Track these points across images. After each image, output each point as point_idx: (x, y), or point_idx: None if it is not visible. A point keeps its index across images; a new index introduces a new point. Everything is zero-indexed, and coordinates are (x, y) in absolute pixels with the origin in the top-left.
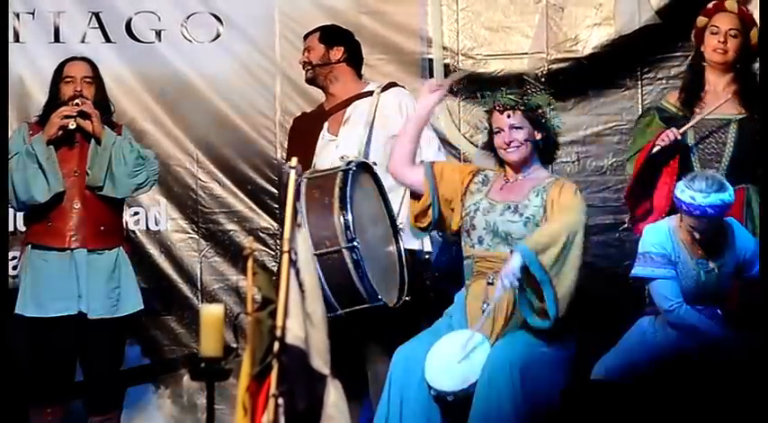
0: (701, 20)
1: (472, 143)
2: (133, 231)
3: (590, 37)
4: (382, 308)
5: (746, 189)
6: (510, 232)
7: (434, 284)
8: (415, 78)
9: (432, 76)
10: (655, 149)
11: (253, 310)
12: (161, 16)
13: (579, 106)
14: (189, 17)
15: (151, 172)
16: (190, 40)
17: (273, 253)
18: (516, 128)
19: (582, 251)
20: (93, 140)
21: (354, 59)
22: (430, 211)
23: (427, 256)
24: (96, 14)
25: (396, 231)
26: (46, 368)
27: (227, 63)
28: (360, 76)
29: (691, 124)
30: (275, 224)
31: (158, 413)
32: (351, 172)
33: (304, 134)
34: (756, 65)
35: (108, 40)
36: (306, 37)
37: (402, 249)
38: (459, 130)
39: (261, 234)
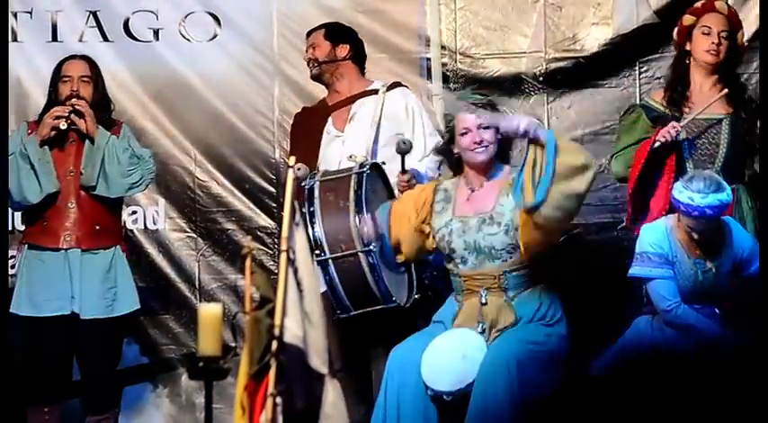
0: (687, 18)
1: None
2: (131, 230)
3: (588, 36)
4: (394, 308)
5: (737, 189)
6: (492, 246)
7: (433, 284)
8: (413, 77)
9: (429, 75)
10: (656, 145)
11: (251, 309)
12: (159, 15)
13: (577, 105)
14: (187, 16)
15: (146, 171)
16: (188, 40)
17: (271, 252)
18: (484, 127)
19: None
20: (87, 140)
21: (359, 57)
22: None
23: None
24: (94, 13)
25: None
26: (42, 367)
27: (226, 62)
28: (363, 73)
29: (689, 119)
30: (273, 223)
31: (157, 412)
32: (365, 175)
33: (307, 129)
34: (750, 65)
35: (106, 39)
36: (309, 34)
37: None
38: None
39: (259, 233)
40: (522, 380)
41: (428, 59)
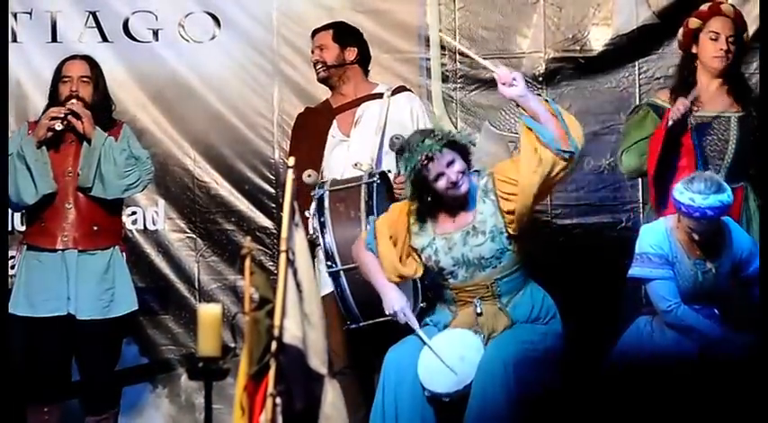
0: (693, 21)
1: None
2: (130, 231)
3: (588, 36)
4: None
5: (745, 187)
6: (481, 255)
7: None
8: (413, 78)
9: (429, 75)
10: (670, 123)
11: (250, 310)
12: (158, 16)
13: (577, 105)
14: (186, 16)
15: (144, 172)
16: (187, 40)
17: (271, 252)
18: (451, 163)
19: None
20: (85, 141)
21: (365, 59)
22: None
23: None
24: (93, 14)
25: None
26: (40, 367)
27: (225, 62)
28: (367, 75)
29: (695, 94)
30: (273, 224)
31: (156, 413)
32: (375, 185)
33: (310, 131)
34: (750, 65)
35: (105, 39)
36: (314, 33)
37: None
38: (457, 128)
39: (258, 234)
40: (520, 379)
41: (428, 59)
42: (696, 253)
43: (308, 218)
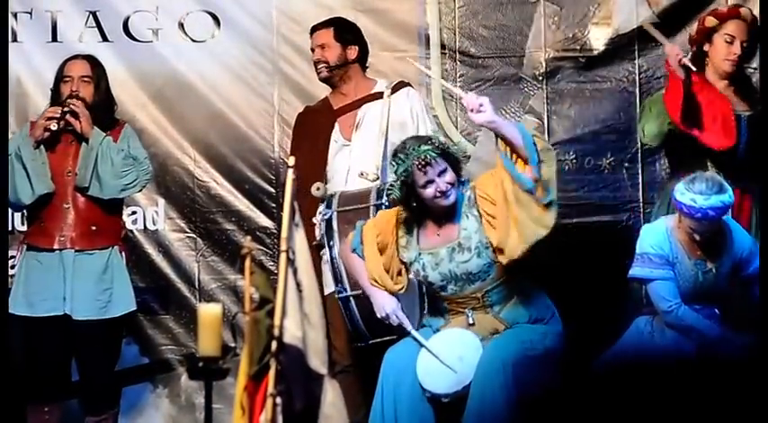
0: (710, 20)
1: (470, 141)
2: (131, 231)
3: (588, 36)
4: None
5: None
6: (469, 271)
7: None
8: (413, 77)
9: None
10: (687, 61)
11: (250, 310)
12: (158, 15)
13: (577, 105)
14: (186, 16)
15: (141, 172)
16: (187, 40)
17: (271, 252)
18: (443, 172)
19: None
20: (83, 141)
21: (364, 57)
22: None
23: None
24: (93, 13)
25: None
26: (40, 367)
27: (225, 62)
28: (365, 71)
29: (690, 56)
30: (273, 223)
31: (156, 413)
32: (384, 207)
33: (311, 131)
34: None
35: (105, 39)
36: (313, 30)
37: None
38: (457, 128)
39: (258, 233)
40: (519, 380)
41: (428, 59)
42: (697, 253)
43: (314, 224)
